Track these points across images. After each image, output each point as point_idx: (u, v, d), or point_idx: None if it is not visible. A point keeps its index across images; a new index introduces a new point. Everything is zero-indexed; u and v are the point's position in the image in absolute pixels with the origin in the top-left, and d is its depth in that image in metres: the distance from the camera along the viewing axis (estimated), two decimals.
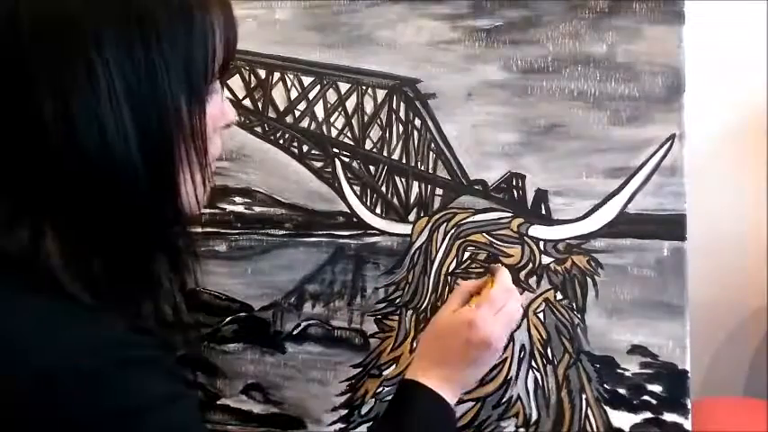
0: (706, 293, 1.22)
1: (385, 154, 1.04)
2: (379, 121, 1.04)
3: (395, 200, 1.03)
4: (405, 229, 1.02)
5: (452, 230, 1.01)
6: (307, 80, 1.05)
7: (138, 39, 0.61)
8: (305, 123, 1.06)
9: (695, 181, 0.97)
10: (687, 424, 0.94)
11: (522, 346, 0.99)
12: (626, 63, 0.96)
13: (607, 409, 0.97)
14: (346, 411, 1.03)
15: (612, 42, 0.96)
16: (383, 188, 1.04)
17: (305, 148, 1.06)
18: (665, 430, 0.94)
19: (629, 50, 0.96)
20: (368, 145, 1.04)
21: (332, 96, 1.05)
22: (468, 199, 1.01)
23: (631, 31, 0.96)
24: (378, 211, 1.04)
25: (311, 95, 1.05)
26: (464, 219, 1.01)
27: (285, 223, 1.06)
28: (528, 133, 0.99)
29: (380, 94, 1.03)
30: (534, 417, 0.98)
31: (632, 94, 0.96)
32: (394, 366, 1.02)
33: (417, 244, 1.02)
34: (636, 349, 0.96)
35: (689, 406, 0.94)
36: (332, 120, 1.05)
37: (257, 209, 1.07)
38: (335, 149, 1.05)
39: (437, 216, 1.02)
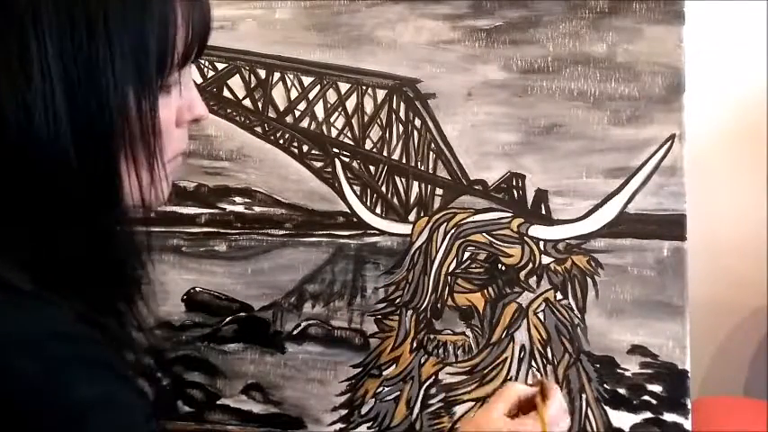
0: (706, 293, 1.22)
1: (385, 154, 1.04)
2: (379, 121, 1.04)
3: (395, 200, 1.03)
4: (405, 229, 1.02)
5: (452, 230, 1.01)
6: (307, 80, 1.05)
7: (82, 17, 0.55)
8: (305, 123, 1.06)
9: (695, 181, 0.97)
10: (687, 424, 0.94)
11: (522, 346, 0.99)
12: (626, 63, 0.96)
13: (607, 408, 0.97)
14: (346, 411, 1.03)
15: (612, 42, 0.96)
16: (383, 188, 1.04)
17: (305, 148, 1.06)
18: (665, 430, 0.94)
19: (629, 50, 0.96)
20: (368, 145, 1.04)
21: (332, 96, 1.05)
22: (468, 199, 1.01)
23: (631, 31, 0.96)
24: (378, 211, 1.04)
25: (311, 95, 1.05)
26: (464, 219, 1.01)
27: (285, 223, 1.06)
28: (528, 133, 0.99)
29: (380, 94, 1.03)
30: None
31: (632, 94, 0.96)
32: (394, 366, 1.02)
33: (417, 244, 1.02)
34: (636, 349, 0.96)
35: (689, 406, 0.94)
36: (332, 120, 1.05)
37: (257, 209, 1.07)
38: (335, 149, 1.05)
39: (437, 216, 1.02)
